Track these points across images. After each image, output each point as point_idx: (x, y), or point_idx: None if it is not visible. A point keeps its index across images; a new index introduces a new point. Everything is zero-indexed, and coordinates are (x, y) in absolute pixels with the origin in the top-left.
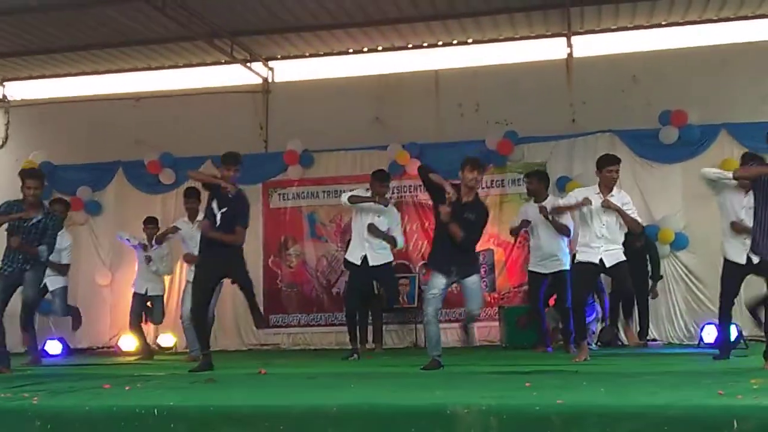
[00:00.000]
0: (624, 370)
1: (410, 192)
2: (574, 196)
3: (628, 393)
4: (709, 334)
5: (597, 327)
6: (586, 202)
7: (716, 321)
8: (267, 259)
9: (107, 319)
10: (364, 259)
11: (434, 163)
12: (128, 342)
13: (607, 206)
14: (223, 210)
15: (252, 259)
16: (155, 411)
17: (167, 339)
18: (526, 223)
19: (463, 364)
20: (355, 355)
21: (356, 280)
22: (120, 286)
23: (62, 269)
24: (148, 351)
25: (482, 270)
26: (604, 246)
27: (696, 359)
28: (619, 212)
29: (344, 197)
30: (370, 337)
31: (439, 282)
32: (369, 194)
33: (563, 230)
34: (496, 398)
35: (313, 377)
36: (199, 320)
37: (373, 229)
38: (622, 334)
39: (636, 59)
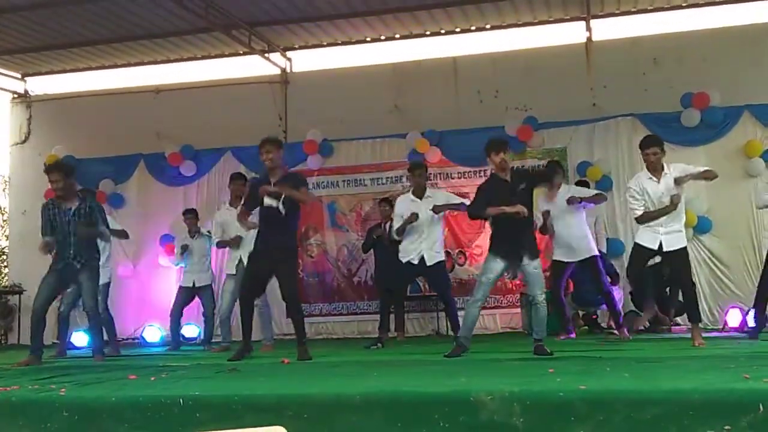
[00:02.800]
0: (648, 355)
1: (431, 180)
2: (637, 192)
3: (652, 378)
4: (734, 317)
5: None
6: (676, 200)
7: (741, 304)
8: None
9: (131, 311)
10: (422, 259)
11: (454, 150)
12: (152, 333)
13: (681, 182)
14: (283, 200)
15: None
16: (180, 401)
17: (191, 330)
18: (546, 213)
19: (486, 351)
20: (380, 344)
21: (402, 276)
22: (143, 279)
23: (121, 233)
24: (178, 343)
25: None
26: (665, 228)
27: (721, 343)
28: (694, 177)
29: (394, 235)
30: (392, 326)
31: (497, 266)
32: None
33: (596, 198)
34: (520, 384)
35: (335, 366)
36: (244, 310)
37: (437, 209)
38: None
39: (657, 41)
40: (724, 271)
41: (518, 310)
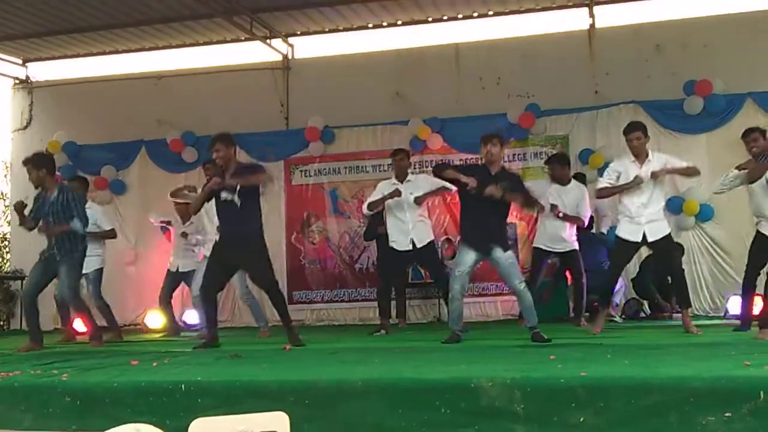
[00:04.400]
0: (648, 342)
1: (431, 167)
2: (615, 172)
3: (652, 365)
4: (735, 305)
5: (621, 299)
6: (638, 180)
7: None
8: (290, 236)
9: (133, 297)
10: (412, 242)
11: (456, 138)
12: (154, 319)
13: (656, 176)
14: (238, 191)
15: (275, 236)
16: (182, 386)
17: (192, 316)
18: (556, 207)
19: (486, 338)
20: (383, 331)
21: (397, 264)
22: (145, 264)
23: (108, 234)
24: (176, 329)
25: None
26: (646, 218)
27: (722, 331)
28: (672, 172)
29: (365, 208)
30: (393, 313)
31: (468, 259)
32: (387, 185)
33: (577, 221)
34: (520, 371)
35: (337, 352)
36: (207, 302)
37: (419, 199)
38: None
39: (659, 28)
40: (726, 259)
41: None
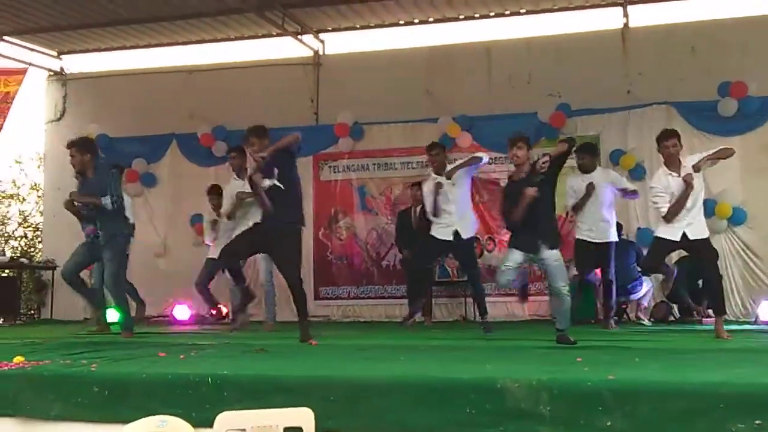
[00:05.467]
0: (678, 346)
1: None
2: (660, 189)
3: (682, 370)
4: (766, 310)
5: (650, 302)
6: (689, 184)
7: None
8: (317, 232)
9: (162, 289)
10: (456, 233)
11: (485, 136)
12: (182, 311)
13: (698, 170)
14: (274, 181)
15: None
16: (209, 379)
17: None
18: (587, 197)
19: (513, 339)
20: (413, 319)
21: (434, 254)
22: (174, 257)
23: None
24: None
25: None
26: (687, 219)
27: (752, 336)
28: (710, 158)
29: (432, 217)
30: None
31: (515, 257)
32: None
33: (631, 194)
34: (547, 372)
35: (363, 349)
36: (200, 288)
37: (450, 173)
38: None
39: (694, 29)
40: (758, 263)
41: (547, 297)
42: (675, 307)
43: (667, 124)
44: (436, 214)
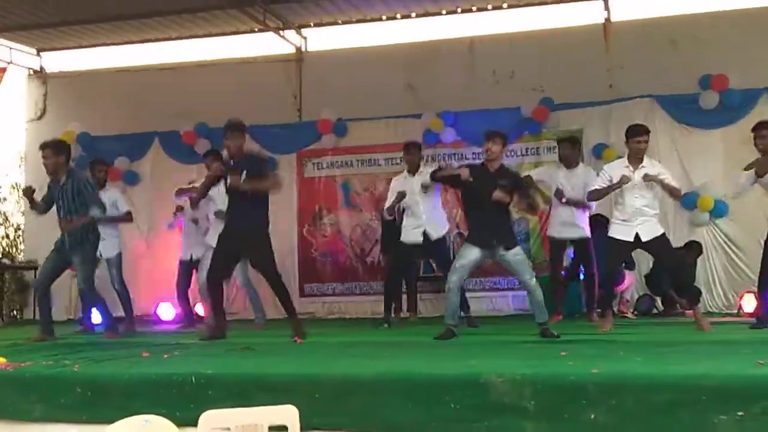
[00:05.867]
0: (661, 339)
1: (445, 161)
2: (607, 176)
3: (665, 362)
4: (749, 303)
5: (632, 295)
6: (625, 180)
7: (756, 290)
8: (302, 229)
9: (145, 288)
10: (425, 234)
11: (468, 132)
12: (166, 310)
13: (650, 180)
14: (242, 178)
15: (286, 228)
16: (193, 378)
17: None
18: (544, 185)
19: (498, 333)
20: (386, 324)
21: (408, 259)
22: (157, 255)
23: (126, 217)
24: (191, 321)
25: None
26: (639, 219)
27: (735, 328)
28: (661, 183)
29: (385, 214)
30: (404, 306)
31: (471, 255)
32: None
33: (580, 205)
34: (531, 367)
35: (347, 346)
36: (213, 292)
37: (426, 186)
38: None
39: (675, 22)
40: (740, 255)
41: None
42: (658, 300)
43: (649, 117)
44: (389, 213)
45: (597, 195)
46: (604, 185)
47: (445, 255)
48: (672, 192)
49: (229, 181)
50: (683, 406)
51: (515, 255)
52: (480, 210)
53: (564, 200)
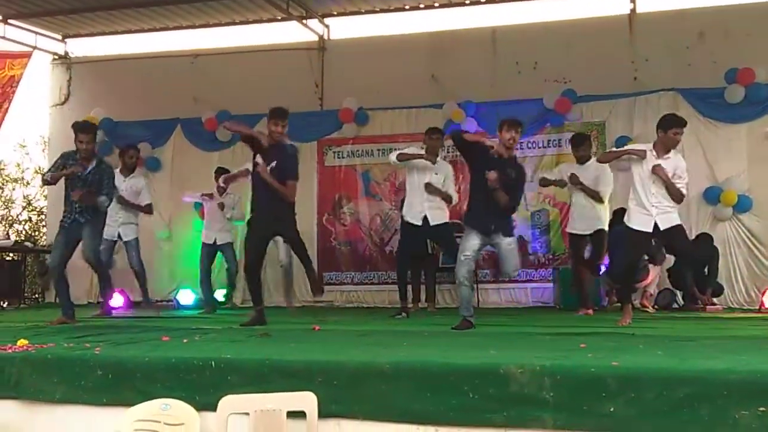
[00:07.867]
0: (682, 333)
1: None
2: (636, 150)
3: (686, 357)
4: None
5: (655, 290)
6: (642, 155)
7: None
8: (321, 217)
9: (166, 273)
10: (425, 219)
11: (490, 123)
12: (186, 296)
13: (656, 173)
14: (272, 165)
15: (306, 216)
16: (212, 363)
17: (218, 293)
18: (561, 183)
19: (517, 325)
20: (404, 314)
21: (412, 239)
22: (178, 241)
23: (145, 209)
24: (213, 306)
25: (536, 230)
26: (657, 209)
27: (757, 324)
28: (670, 184)
29: (393, 156)
30: (423, 297)
31: (473, 243)
32: (420, 152)
33: (596, 196)
34: (551, 359)
35: (366, 334)
36: (251, 278)
37: (431, 189)
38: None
39: (702, 15)
40: (763, 251)
41: (550, 284)
42: (679, 294)
43: (673, 110)
44: (399, 159)
45: (610, 156)
46: (626, 157)
47: (448, 240)
48: (674, 195)
49: (259, 163)
50: (703, 400)
51: (509, 244)
52: (485, 193)
53: (579, 186)
